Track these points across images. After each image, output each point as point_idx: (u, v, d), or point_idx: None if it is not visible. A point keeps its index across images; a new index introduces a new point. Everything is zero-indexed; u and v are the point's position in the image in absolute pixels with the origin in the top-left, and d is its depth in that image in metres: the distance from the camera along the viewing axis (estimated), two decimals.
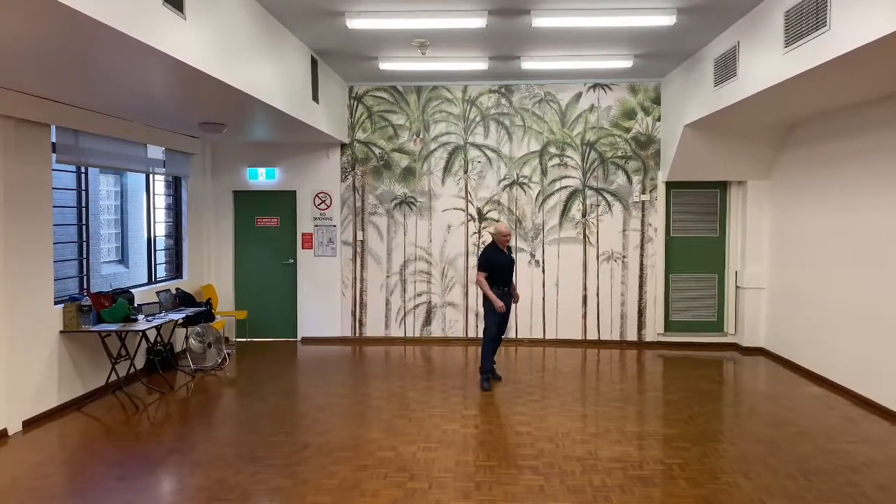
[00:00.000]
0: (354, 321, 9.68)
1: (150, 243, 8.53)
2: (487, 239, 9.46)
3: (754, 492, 4.54)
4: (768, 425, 5.94)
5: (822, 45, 4.83)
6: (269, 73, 6.20)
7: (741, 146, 8.34)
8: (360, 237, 9.61)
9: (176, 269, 9.04)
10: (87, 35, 3.83)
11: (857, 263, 6.80)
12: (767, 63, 5.73)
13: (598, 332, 9.46)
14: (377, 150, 9.51)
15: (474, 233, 9.49)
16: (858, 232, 6.78)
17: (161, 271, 8.82)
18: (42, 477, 4.85)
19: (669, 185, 9.27)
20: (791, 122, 7.85)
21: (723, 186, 9.26)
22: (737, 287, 9.16)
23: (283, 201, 9.72)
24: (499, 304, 6.97)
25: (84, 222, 7.26)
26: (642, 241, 9.34)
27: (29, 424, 5.96)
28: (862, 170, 6.74)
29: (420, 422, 6.04)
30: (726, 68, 6.66)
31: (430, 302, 9.60)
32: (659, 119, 9.19)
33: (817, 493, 4.53)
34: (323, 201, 9.59)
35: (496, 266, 7.12)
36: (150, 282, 8.48)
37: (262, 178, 9.63)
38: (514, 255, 7.83)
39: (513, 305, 7.41)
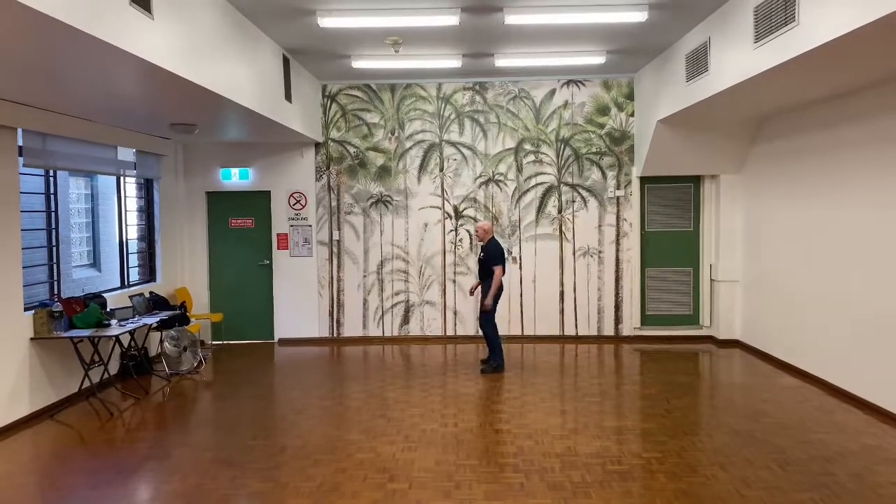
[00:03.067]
0: (332, 321, 9.63)
1: (123, 246, 8.40)
2: (464, 237, 9.48)
3: (731, 483, 4.59)
4: (744, 417, 6.01)
5: (791, 40, 4.88)
6: (240, 73, 6.12)
7: (714, 141, 8.43)
8: (336, 237, 9.56)
9: (149, 273, 8.91)
10: (52, 37, 3.75)
11: (828, 255, 6.90)
12: (738, 58, 5.79)
13: (576, 327, 9.50)
14: (352, 149, 9.46)
15: (451, 231, 9.48)
16: (829, 224, 6.87)
17: (134, 275, 8.69)
18: (13, 488, 4.75)
19: (644, 180, 9.34)
20: (762, 116, 7.94)
21: (696, 181, 9.35)
22: (711, 280, 9.26)
23: (257, 202, 9.63)
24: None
25: (54, 226, 7.12)
26: (618, 236, 9.40)
27: None
28: (831, 163, 6.83)
29: (399, 422, 6.02)
30: (698, 63, 6.71)
31: (407, 301, 9.57)
32: (632, 114, 9.24)
33: (793, 483, 4.59)
34: (298, 201, 9.52)
35: None
36: (122, 286, 8.35)
37: (235, 178, 9.53)
38: (483, 254, 7.81)
39: (480, 301, 7.91)
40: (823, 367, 7.01)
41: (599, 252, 9.43)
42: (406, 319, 9.60)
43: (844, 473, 4.74)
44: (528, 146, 9.38)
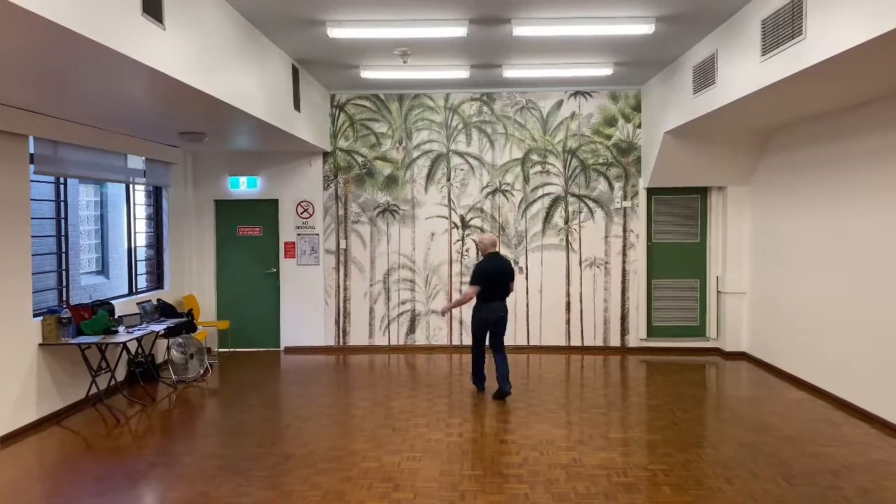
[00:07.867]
0: (338, 330, 9.64)
1: (131, 254, 8.45)
2: (471, 247, 9.48)
3: (737, 496, 4.57)
4: (751, 430, 5.98)
5: (798, 53, 4.90)
6: (249, 83, 6.17)
7: (721, 152, 8.43)
8: (343, 246, 9.58)
9: (157, 280, 8.95)
10: (65, 47, 3.79)
11: (835, 267, 6.88)
12: (745, 71, 5.80)
13: (582, 338, 9.49)
14: (359, 159, 9.50)
15: (457, 240, 9.49)
16: (836, 236, 6.86)
17: (142, 282, 8.73)
18: (20, 493, 4.77)
19: (650, 192, 9.34)
20: (769, 128, 7.94)
21: (703, 192, 9.34)
22: (718, 292, 9.23)
23: (265, 210, 9.67)
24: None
25: (63, 233, 7.17)
26: (624, 247, 9.40)
27: (7, 439, 5.87)
28: (839, 175, 6.83)
29: (404, 431, 6.02)
30: (705, 76, 6.73)
31: (414, 310, 9.58)
32: (639, 126, 9.26)
33: (800, 496, 4.56)
34: (305, 210, 9.56)
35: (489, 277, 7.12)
36: (130, 293, 8.39)
37: (243, 186, 9.59)
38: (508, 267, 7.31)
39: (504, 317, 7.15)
40: (831, 380, 6.97)
41: (606, 263, 9.42)
42: (412, 328, 9.60)
43: (851, 488, 4.71)
44: (535, 157, 9.40)
